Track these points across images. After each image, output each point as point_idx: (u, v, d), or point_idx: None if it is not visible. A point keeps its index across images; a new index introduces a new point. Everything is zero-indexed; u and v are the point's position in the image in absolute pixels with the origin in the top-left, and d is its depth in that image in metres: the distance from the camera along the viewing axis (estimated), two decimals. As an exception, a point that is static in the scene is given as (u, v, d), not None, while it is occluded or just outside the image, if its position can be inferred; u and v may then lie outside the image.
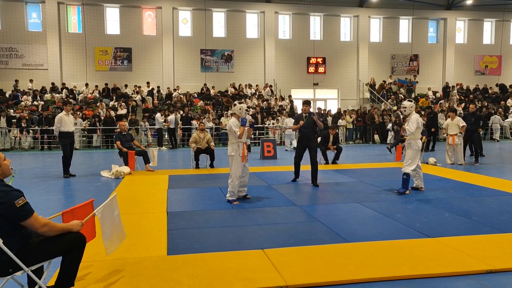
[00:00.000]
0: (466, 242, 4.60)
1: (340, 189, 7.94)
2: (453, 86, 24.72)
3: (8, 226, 2.85)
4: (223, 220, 5.72)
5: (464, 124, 11.19)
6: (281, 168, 10.95)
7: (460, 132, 11.26)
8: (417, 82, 24.78)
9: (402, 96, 23.41)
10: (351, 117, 19.87)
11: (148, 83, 22.23)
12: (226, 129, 8.55)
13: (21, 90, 20.69)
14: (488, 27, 26.89)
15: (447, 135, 11.58)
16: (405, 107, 7.49)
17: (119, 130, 10.82)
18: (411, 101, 7.60)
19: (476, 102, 22.23)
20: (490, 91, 25.14)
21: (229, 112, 16.30)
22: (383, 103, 22.65)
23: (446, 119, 13.28)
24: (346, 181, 8.81)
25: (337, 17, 24.81)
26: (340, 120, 19.76)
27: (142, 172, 10.24)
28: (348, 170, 10.41)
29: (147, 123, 18.71)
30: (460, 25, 26.55)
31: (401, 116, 9.32)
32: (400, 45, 25.56)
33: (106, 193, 7.55)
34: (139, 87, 21.86)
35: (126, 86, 21.87)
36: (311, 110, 8.85)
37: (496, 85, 25.87)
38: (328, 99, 24.97)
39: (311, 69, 24.37)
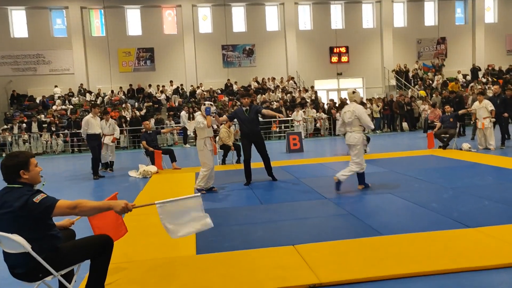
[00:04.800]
0: (510, 231, 4.33)
1: (370, 179, 7.67)
2: (479, 68, 23.76)
3: (36, 232, 2.83)
4: (252, 217, 5.62)
5: (493, 108, 10.64)
6: (308, 161, 10.77)
7: (492, 116, 10.68)
8: (444, 65, 23.95)
9: (430, 81, 22.71)
10: (378, 106, 19.40)
11: (171, 81, 22.38)
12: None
13: (48, 95, 21.21)
14: (519, 4, 25.68)
15: (476, 119, 11.07)
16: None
17: (144, 130, 10.90)
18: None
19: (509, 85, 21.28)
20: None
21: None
22: (410, 89, 22.03)
23: (473, 102, 12.65)
24: (376, 171, 8.55)
25: (359, 4, 24.23)
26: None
27: (169, 170, 10.28)
28: (378, 160, 10.12)
29: (172, 122, 18.84)
30: (490, 4, 25.46)
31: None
32: (426, 29, 24.75)
33: (135, 193, 7.58)
34: (163, 86, 22.03)
35: (149, 86, 22.09)
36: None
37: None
38: (353, 89, 24.45)
39: (334, 58, 23.94)
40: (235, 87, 22.31)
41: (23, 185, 2.88)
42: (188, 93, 22.00)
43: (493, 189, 6.37)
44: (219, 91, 22.15)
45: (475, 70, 23.77)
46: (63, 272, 2.95)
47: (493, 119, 10.73)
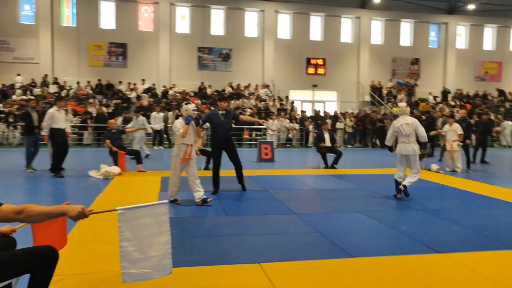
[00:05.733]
0: (479, 259, 4.21)
1: (341, 196, 7.54)
2: (449, 91, 24.44)
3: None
4: (216, 229, 5.31)
5: (462, 132, 10.81)
6: (279, 172, 10.55)
7: (460, 140, 10.85)
8: (416, 84, 24.47)
9: (403, 100, 23.11)
10: (351, 121, 19.49)
11: (143, 80, 21.76)
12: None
13: (9, 84, 20.14)
14: (489, 33, 26.63)
15: (444, 142, 11.31)
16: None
17: (109, 128, 10.39)
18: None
19: (481, 109, 21.93)
20: (489, 98, 24.87)
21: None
22: (383, 106, 22.32)
23: (442, 125, 12.96)
24: (347, 187, 8.41)
25: (338, 18, 24.45)
26: (338, 123, 19.39)
27: (133, 172, 9.80)
28: (349, 175, 10.01)
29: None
30: (461, 30, 26.27)
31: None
32: (402, 48, 25.24)
33: (93, 194, 7.11)
34: (134, 84, 21.39)
35: (120, 82, 21.39)
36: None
37: (497, 89, 25.58)
38: (327, 101, 24.58)
39: (311, 70, 23.99)
40: (209, 91, 21.94)
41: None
42: (160, 94, 21.44)
43: (461, 213, 6.31)
44: (192, 94, 21.72)
45: (445, 93, 24.40)
46: (0, 285, 2.55)
47: (461, 143, 10.88)
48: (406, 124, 7.13)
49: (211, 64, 23.05)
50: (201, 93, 21.79)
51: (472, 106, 22.34)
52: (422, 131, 7.16)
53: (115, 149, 9.84)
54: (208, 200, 6.52)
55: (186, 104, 6.62)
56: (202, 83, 22.31)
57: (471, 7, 23.93)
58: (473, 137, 13.36)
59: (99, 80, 21.28)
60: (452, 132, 10.82)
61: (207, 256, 4.23)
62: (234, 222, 5.64)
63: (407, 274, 3.80)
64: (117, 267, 3.81)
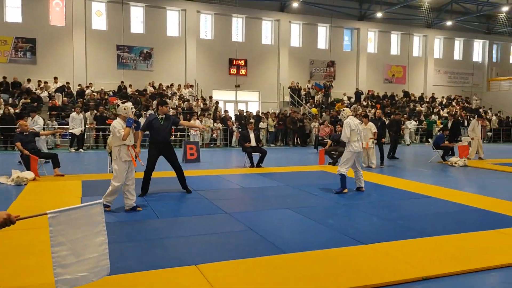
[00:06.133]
0: (398, 248, 4.61)
1: (268, 194, 7.75)
2: (362, 92, 26.23)
3: None
4: (146, 233, 5.18)
5: (376, 130, 11.71)
6: (205, 172, 10.54)
7: (375, 139, 11.72)
8: (332, 86, 25.85)
9: (320, 101, 24.28)
10: (273, 120, 20.03)
11: (55, 78, 20.28)
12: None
13: None
14: (395, 39, 29.00)
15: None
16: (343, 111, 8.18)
17: (19, 130, 9.56)
18: (349, 107, 7.98)
19: (394, 109, 23.79)
20: (396, 98, 27.10)
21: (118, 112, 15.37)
22: (302, 106, 23.25)
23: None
24: (273, 185, 8.66)
25: (259, 20, 24.96)
26: (261, 123, 19.82)
27: (50, 177, 9.15)
28: (274, 173, 10.31)
29: (55, 123, 17.05)
30: (371, 36, 28.27)
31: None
32: (319, 51, 26.48)
33: (5, 203, 6.52)
34: (45, 82, 19.88)
35: (29, 80, 19.72)
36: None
37: (402, 91, 27.92)
38: (249, 102, 24.99)
39: (233, 70, 24.20)
40: (129, 90, 21.12)
41: None
42: (75, 93, 20.16)
43: (378, 206, 6.84)
44: (111, 93, 20.75)
45: (358, 94, 26.09)
46: None
47: (375, 140, 11.78)
48: (358, 123, 8.03)
49: (131, 63, 22.21)
50: (121, 92, 20.90)
51: (380, 106, 24.18)
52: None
53: (26, 152, 9.09)
54: (138, 208, 6.27)
55: (123, 103, 6.31)
56: (122, 82, 21.41)
57: (379, 14, 25.86)
58: (387, 135, 14.52)
59: (4, 77, 19.42)
60: (368, 130, 11.64)
61: (141, 262, 4.12)
62: (167, 225, 5.55)
63: (336, 266, 4.04)
64: (39, 280, 3.58)
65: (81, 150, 15.79)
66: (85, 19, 21.15)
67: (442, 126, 16.97)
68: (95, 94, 19.98)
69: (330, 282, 3.64)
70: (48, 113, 17.78)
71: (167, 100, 20.17)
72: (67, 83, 20.38)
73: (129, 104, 6.26)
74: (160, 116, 7.30)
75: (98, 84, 21.06)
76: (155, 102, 17.92)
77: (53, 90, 19.78)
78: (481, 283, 3.83)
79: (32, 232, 4.89)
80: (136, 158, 6.14)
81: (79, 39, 21.06)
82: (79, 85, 20.49)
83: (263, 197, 7.48)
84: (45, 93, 19.32)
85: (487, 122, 24.33)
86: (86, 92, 19.98)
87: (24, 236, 4.76)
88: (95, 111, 17.61)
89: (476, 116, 15.93)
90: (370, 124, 11.75)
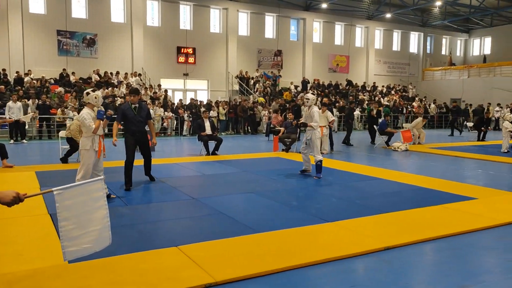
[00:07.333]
0: (360, 223, 5.05)
1: (230, 179, 7.98)
2: (308, 81, 27.04)
3: None
4: (119, 219, 5.23)
5: (334, 118, 12.27)
6: (162, 161, 10.52)
7: (329, 125, 12.30)
8: (280, 76, 26.38)
9: (269, 90, 24.70)
10: (224, 109, 20.15)
11: (-11, 64, 18.97)
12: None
13: None
14: (339, 29, 30.06)
15: None
16: (308, 99, 8.31)
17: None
18: (314, 94, 8.30)
19: (337, 98, 24.75)
20: (340, 87, 28.23)
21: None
22: (251, 95, 23.56)
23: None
24: (232, 171, 8.89)
25: (207, 8, 24.78)
26: (211, 111, 19.86)
27: (-1, 169, 8.73)
28: (230, 160, 10.53)
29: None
30: (317, 26, 29.09)
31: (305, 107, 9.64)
32: (266, 40, 26.83)
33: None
34: (-22, 69, 18.54)
35: (-40, 67, 18.29)
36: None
37: (346, 80, 29.12)
38: (198, 90, 24.87)
39: (181, 59, 23.92)
40: (72, 78, 20.22)
41: None
42: (12, 80, 18.98)
43: (334, 188, 7.33)
44: (53, 81, 19.77)
45: (304, 83, 26.84)
46: None
47: (335, 128, 12.38)
48: (315, 112, 8.33)
49: (73, 50, 21.22)
50: (63, 80, 19.97)
51: (324, 95, 25.10)
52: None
53: (-28, 143, 8.60)
54: (112, 196, 6.22)
55: (92, 91, 6.08)
56: (64, 69, 20.44)
57: (324, 5, 26.66)
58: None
59: None
60: (324, 118, 12.18)
61: (120, 245, 4.18)
62: (137, 211, 5.61)
63: (308, 242, 4.38)
64: (25, 266, 3.59)
65: (24, 141, 15.00)
66: (21, 1, 19.86)
67: (384, 113, 18.03)
68: (35, 82, 18.94)
69: (305, 256, 3.96)
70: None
71: (115, 89, 19.63)
72: (3, 69, 19.12)
73: (99, 93, 6.14)
74: (133, 105, 7.15)
75: (38, 71, 19.96)
76: (100, 90, 17.38)
77: (-12, 77, 18.49)
78: (433, 250, 4.35)
79: (4, 222, 4.78)
80: (103, 149, 6.06)
81: (15, 23, 19.76)
82: (17, 72, 19.30)
83: (226, 182, 7.69)
84: (-21, 81, 18.03)
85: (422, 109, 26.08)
86: (25, 80, 18.89)
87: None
88: (36, 99, 16.75)
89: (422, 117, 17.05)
90: (328, 112, 12.29)
